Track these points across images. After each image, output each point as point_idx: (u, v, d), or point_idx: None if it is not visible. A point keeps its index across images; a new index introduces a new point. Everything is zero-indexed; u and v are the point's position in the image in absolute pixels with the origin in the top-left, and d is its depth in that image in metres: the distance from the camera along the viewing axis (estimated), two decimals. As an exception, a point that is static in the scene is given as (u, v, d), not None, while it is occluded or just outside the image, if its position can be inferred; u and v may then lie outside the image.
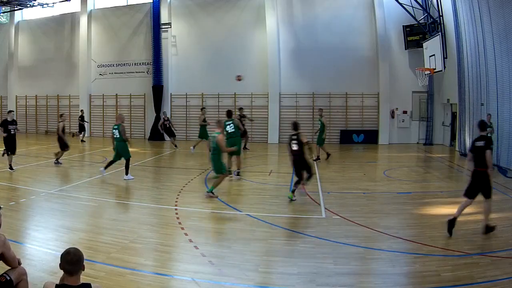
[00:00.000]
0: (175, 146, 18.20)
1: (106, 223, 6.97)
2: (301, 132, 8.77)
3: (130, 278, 4.65)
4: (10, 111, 12.38)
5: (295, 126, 8.92)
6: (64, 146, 13.18)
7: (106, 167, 10.99)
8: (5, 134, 11.64)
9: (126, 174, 10.71)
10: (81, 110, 22.20)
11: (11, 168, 11.58)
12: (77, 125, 21.82)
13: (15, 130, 11.90)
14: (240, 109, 17.06)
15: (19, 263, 3.68)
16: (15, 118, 12.58)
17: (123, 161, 10.77)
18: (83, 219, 7.34)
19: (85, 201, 8.54)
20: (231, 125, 10.86)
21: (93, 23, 24.14)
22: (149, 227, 6.72)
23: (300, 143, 8.56)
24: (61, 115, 14.33)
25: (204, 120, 16.06)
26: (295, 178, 8.71)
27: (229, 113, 11.23)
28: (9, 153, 11.71)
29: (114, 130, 10.83)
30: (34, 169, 12.58)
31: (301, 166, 8.59)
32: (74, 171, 12.62)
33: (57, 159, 13.15)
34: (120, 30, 23.68)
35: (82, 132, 21.21)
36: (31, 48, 26.11)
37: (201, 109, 17.48)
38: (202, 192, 9.31)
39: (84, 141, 20.76)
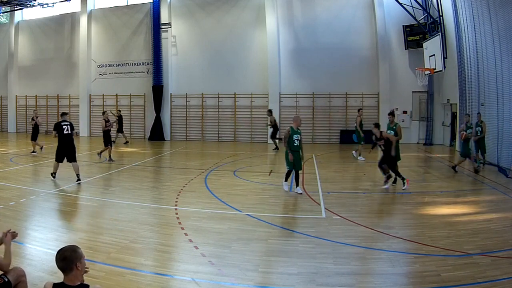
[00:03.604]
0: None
1: (106, 223, 6.96)
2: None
3: (130, 278, 4.65)
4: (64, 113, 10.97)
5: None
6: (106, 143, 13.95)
7: (286, 179, 9.26)
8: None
9: (296, 185, 9.11)
10: (118, 110, 21.13)
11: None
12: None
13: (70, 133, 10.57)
14: (359, 110, 17.55)
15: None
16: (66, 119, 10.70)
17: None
18: (83, 219, 7.34)
19: (85, 201, 8.55)
20: None
21: (93, 23, 24.16)
22: (149, 227, 6.72)
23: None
24: (104, 113, 14.81)
25: (361, 123, 14.75)
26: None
27: None
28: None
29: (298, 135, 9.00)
30: (34, 169, 12.58)
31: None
32: (74, 171, 12.56)
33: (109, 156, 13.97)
34: (120, 30, 23.69)
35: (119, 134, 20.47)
36: (31, 48, 26.13)
37: (358, 110, 15.54)
38: (202, 192, 9.31)
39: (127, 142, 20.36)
